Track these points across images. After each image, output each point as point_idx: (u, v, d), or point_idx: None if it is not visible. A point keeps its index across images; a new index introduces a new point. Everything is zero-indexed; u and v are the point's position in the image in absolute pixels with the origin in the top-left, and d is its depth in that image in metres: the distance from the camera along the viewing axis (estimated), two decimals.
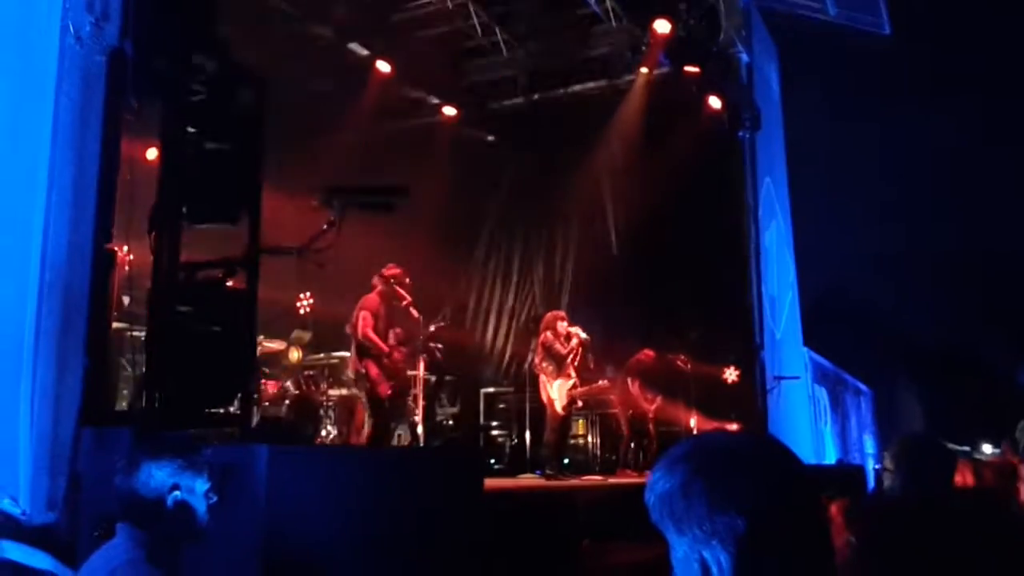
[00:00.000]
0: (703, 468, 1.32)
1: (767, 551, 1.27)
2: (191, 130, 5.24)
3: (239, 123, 5.40)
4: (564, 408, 9.03)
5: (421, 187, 10.84)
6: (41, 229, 4.25)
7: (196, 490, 2.61)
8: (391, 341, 7.99)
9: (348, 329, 8.04)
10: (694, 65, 11.20)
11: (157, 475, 2.57)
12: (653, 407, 10.53)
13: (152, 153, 5.47)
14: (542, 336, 9.22)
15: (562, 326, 9.23)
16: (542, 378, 9.12)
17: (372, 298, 7.97)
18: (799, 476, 1.35)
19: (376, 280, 8.05)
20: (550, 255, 13.10)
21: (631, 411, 10.43)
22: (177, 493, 2.57)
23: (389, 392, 7.80)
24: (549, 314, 9.69)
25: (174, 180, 5.09)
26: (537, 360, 9.25)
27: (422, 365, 9.04)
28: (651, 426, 10.45)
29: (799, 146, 16.56)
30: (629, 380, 10.50)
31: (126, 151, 4.95)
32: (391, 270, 8.09)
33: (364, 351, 7.80)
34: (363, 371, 7.78)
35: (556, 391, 8.97)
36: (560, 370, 9.02)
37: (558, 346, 9.05)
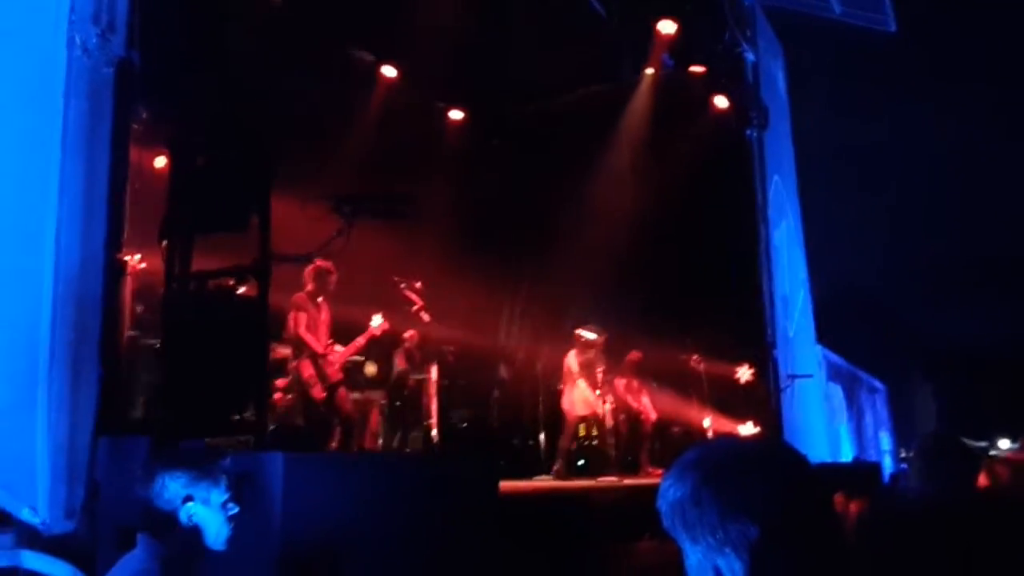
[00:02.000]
0: (713, 475, 1.32)
1: (781, 557, 1.27)
2: (200, 139, 5.27)
3: (247, 131, 5.42)
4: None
5: (429, 191, 10.86)
6: (53, 241, 4.27)
7: (212, 501, 2.58)
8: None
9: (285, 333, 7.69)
10: (700, 65, 11.19)
11: (171, 486, 2.55)
12: (644, 407, 10.54)
13: (161, 161, 5.49)
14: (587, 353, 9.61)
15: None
16: (582, 386, 9.49)
17: (301, 296, 7.54)
18: (810, 480, 1.35)
19: (306, 276, 7.57)
20: (560, 256, 13.08)
21: (623, 414, 10.43)
22: (191, 505, 2.55)
23: (323, 395, 7.44)
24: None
25: (184, 189, 5.11)
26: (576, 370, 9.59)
27: (435, 369, 9.03)
28: (649, 427, 10.47)
29: (807, 144, 16.51)
30: (616, 381, 10.52)
31: (135, 160, 4.97)
32: (321, 263, 7.54)
33: (298, 351, 7.47)
34: (298, 373, 7.44)
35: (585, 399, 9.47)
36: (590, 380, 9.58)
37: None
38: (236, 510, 2.64)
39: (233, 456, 2.79)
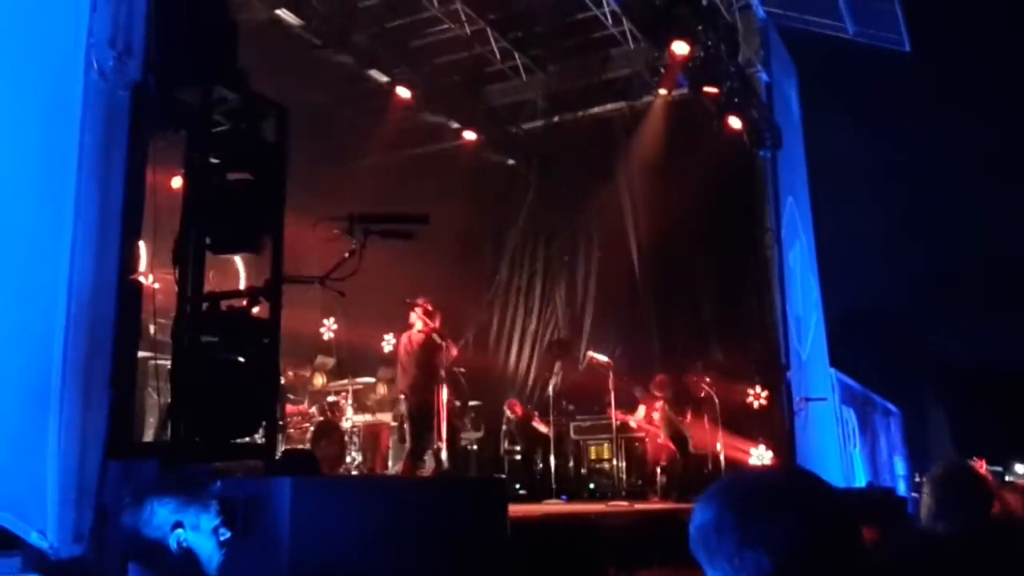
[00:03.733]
0: (735, 504, 1.36)
1: None
2: (214, 160, 5.28)
3: (261, 152, 5.43)
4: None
5: (442, 212, 10.85)
6: (67, 263, 4.27)
7: (202, 526, 2.52)
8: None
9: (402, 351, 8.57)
10: (713, 86, 11.18)
11: (160, 512, 2.49)
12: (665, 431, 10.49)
13: (177, 182, 5.50)
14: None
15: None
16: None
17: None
18: (829, 516, 1.35)
19: (417, 312, 8.49)
20: (572, 277, 13.07)
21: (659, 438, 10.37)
22: (180, 532, 2.49)
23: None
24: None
25: (198, 211, 5.11)
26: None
27: (446, 391, 9.01)
28: (679, 454, 10.36)
29: (821, 164, 16.47)
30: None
31: (151, 179, 4.98)
32: (422, 304, 8.59)
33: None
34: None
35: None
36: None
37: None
38: (228, 535, 2.57)
39: (242, 480, 2.77)
